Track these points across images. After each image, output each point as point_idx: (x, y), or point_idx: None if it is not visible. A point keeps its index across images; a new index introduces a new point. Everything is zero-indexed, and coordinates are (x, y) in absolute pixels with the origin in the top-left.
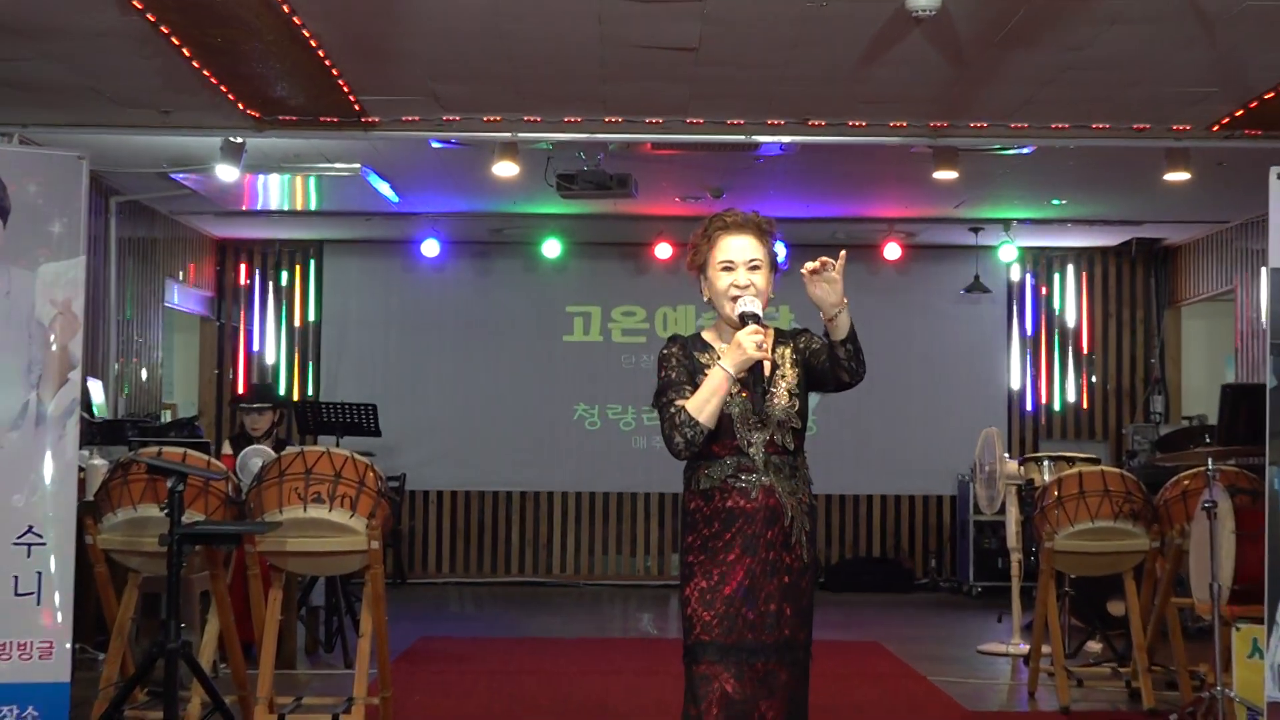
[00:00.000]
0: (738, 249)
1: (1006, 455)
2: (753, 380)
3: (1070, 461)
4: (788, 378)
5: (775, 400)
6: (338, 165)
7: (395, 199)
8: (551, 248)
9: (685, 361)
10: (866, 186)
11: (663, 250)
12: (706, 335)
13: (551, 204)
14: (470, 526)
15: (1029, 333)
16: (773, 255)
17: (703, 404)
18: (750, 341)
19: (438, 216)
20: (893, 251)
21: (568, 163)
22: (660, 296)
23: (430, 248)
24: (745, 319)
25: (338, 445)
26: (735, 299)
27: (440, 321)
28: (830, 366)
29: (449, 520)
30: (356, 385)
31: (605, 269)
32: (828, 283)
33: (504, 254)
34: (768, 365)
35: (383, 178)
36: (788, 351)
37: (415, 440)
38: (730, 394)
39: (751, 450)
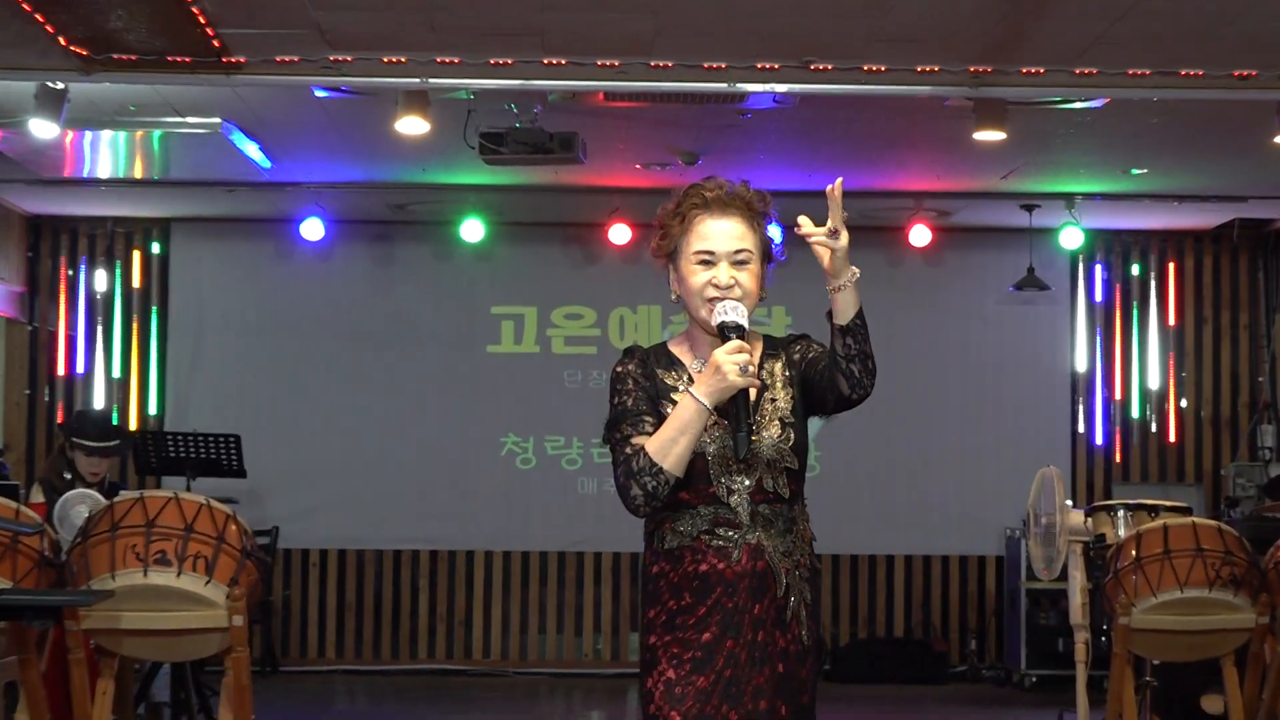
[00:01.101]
0: (720, 235)
1: (1070, 503)
2: (734, 408)
3: (1153, 512)
4: (779, 401)
5: (763, 433)
6: (191, 120)
7: (267, 164)
8: (472, 230)
9: (645, 383)
10: (886, 151)
11: (619, 234)
12: (675, 348)
13: (473, 172)
14: (364, 598)
15: (1098, 343)
16: (766, 243)
17: (668, 445)
18: (732, 364)
19: (322, 188)
20: (921, 236)
21: (494, 118)
22: (615, 294)
23: (312, 229)
24: (726, 331)
25: (188, 489)
26: (713, 302)
27: (325, 326)
28: (828, 371)
29: (335, 589)
30: (214, 410)
31: (543, 258)
32: (829, 238)
33: (410, 238)
34: (754, 389)
35: (250, 137)
36: (778, 366)
37: (291, 483)
38: (705, 428)
39: (733, 499)
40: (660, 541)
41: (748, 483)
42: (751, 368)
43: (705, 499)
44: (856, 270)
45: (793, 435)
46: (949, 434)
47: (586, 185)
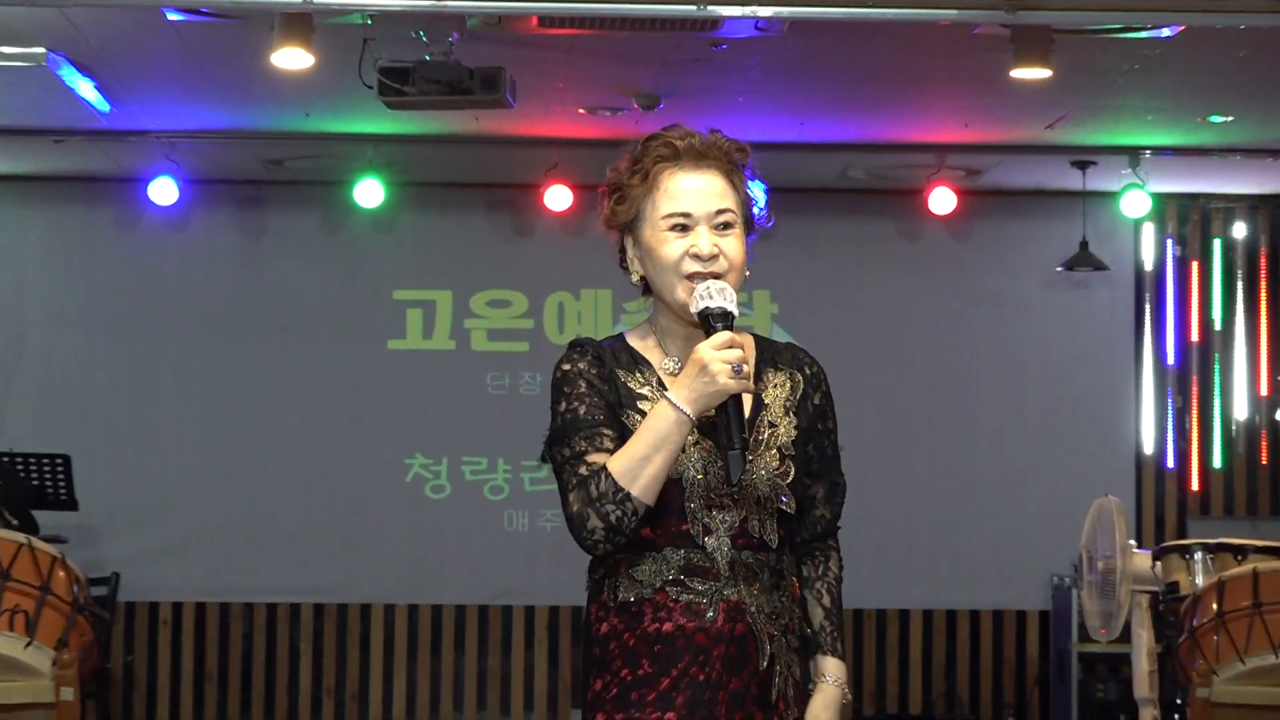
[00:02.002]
0: (697, 193)
1: (1134, 544)
2: (724, 420)
3: (1239, 554)
4: (780, 428)
5: (758, 460)
6: (7, 52)
7: (105, 108)
8: (369, 193)
9: (602, 386)
10: (900, 94)
11: (557, 198)
12: (636, 342)
13: (370, 119)
14: (229, 663)
15: (1171, 338)
16: (748, 205)
17: (638, 464)
18: (722, 362)
19: (176, 138)
20: (943, 201)
21: (398, 49)
22: (553, 275)
23: (163, 191)
24: (710, 319)
25: (4, 525)
26: (694, 279)
27: (180, 317)
28: (804, 501)
29: (193, 652)
30: (35, 424)
31: (460, 229)
32: None
33: (289, 203)
34: (748, 398)
35: (83, 73)
36: (780, 382)
37: (136, 518)
38: (684, 447)
39: (710, 540)
40: (612, 592)
41: (730, 521)
42: (747, 367)
43: (674, 539)
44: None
45: (791, 470)
46: (979, 455)
47: (516, 136)
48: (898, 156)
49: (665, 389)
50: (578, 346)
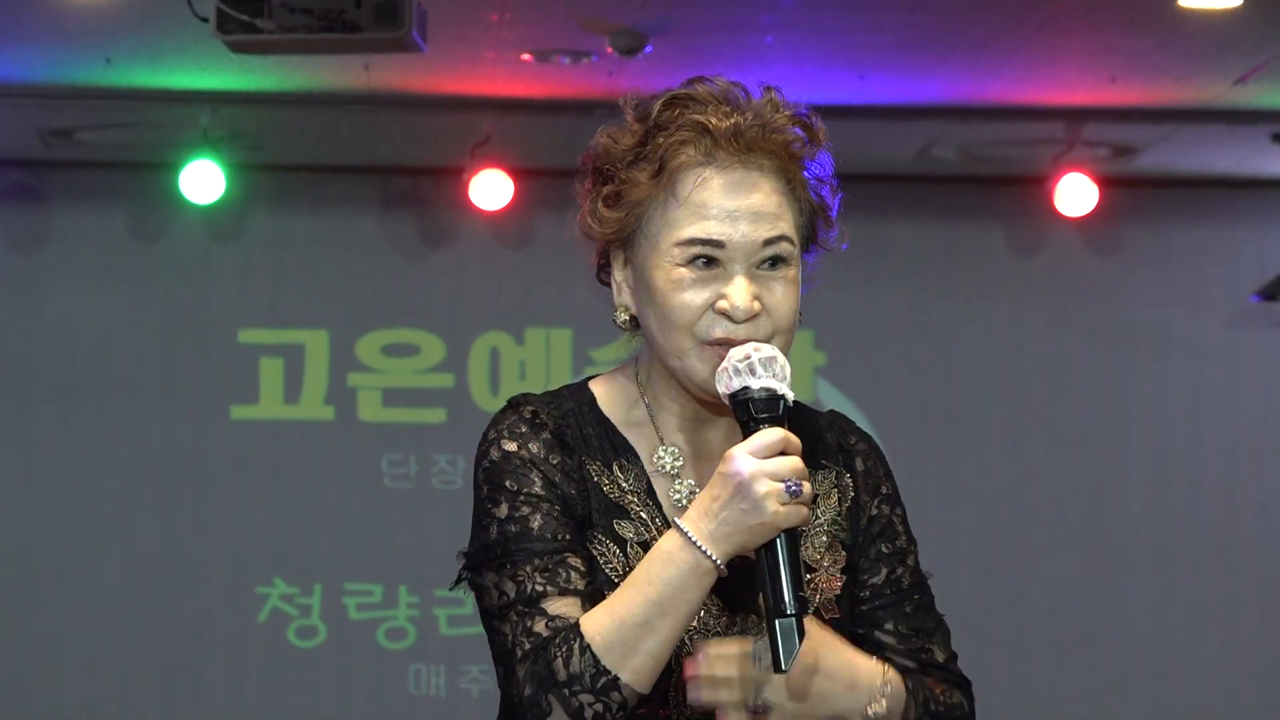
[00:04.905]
0: (736, 214)
1: None
2: (769, 573)
3: None
4: (820, 575)
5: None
6: None
7: None
8: (203, 180)
9: (565, 485)
10: (1011, 30)
11: (488, 190)
12: (611, 407)
13: (205, 69)
14: None
15: None
16: (813, 216)
17: (632, 632)
18: (770, 479)
19: None
20: (1077, 194)
21: None
22: (483, 307)
23: None
24: (751, 408)
25: None
26: (718, 348)
27: None
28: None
29: None
30: None
31: (342, 236)
32: None
33: (80, 195)
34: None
35: None
36: (826, 492)
37: None
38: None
39: None
40: None
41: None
42: (807, 485)
43: (658, 713)
44: None
45: (840, 614)
46: (1133, 567)
47: (428, 95)
48: (1008, 127)
49: (661, 506)
50: (522, 410)
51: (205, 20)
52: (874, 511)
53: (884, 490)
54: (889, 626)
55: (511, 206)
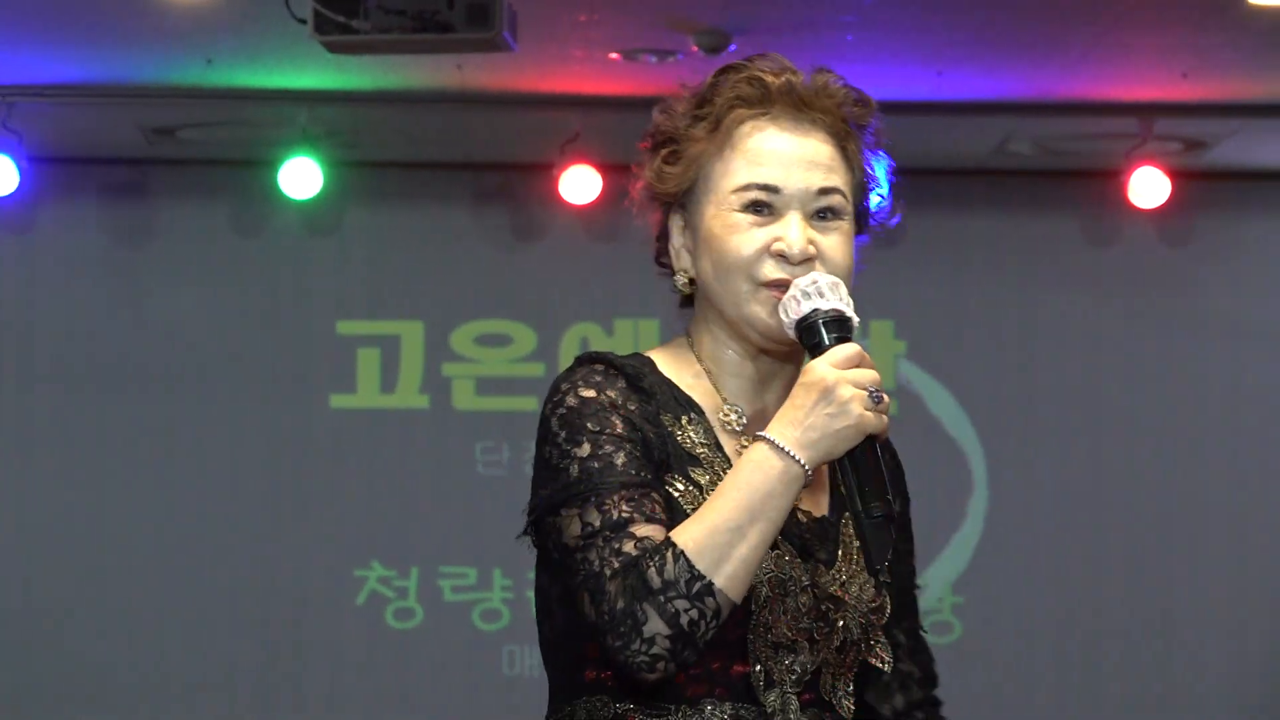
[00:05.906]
0: (790, 160)
1: None
2: (856, 476)
3: None
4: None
5: (851, 583)
6: None
7: None
8: (301, 177)
9: (646, 429)
10: (1086, 26)
11: (579, 183)
12: (672, 371)
13: (303, 69)
14: None
15: None
16: (866, 187)
17: (725, 538)
18: (852, 384)
19: (14, 95)
20: (1150, 186)
21: None
22: (573, 298)
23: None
24: (819, 334)
25: None
26: (775, 288)
27: (21, 359)
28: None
29: None
30: None
31: (435, 231)
32: None
33: (182, 191)
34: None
35: None
36: None
37: None
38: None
39: (771, 696)
40: None
41: (801, 669)
42: (887, 399)
43: (722, 686)
44: None
45: (888, 606)
46: (1208, 564)
47: (518, 93)
48: (1082, 122)
49: (730, 460)
50: (597, 363)
51: (303, 21)
52: (898, 506)
53: (902, 488)
54: (905, 625)
55: (600, 201)
